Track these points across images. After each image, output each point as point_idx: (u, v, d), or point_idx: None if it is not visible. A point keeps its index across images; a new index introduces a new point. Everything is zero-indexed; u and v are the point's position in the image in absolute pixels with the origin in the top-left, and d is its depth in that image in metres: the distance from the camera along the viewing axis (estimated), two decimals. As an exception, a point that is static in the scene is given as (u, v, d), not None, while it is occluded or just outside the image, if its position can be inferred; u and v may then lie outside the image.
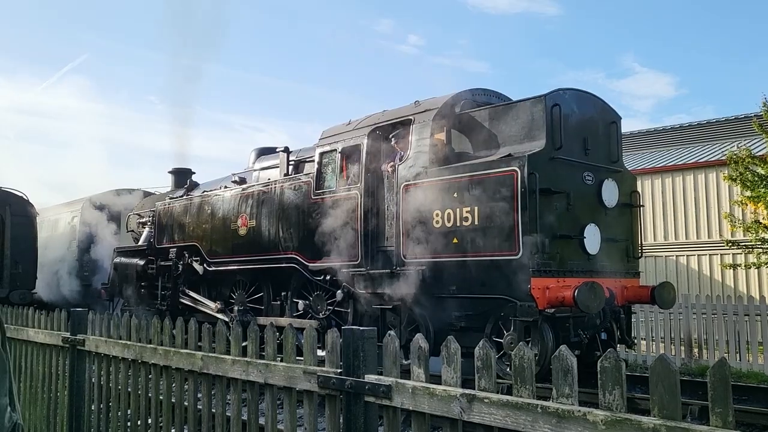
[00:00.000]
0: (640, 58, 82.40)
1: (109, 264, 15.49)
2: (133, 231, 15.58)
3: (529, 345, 7.81)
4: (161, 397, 4.21)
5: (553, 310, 7.65)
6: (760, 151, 15.67)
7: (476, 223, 8.15)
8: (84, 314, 4.94)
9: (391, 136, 9.73)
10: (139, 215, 15.42)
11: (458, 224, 8.32)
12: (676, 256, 18.17)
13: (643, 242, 9.51)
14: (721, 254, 17.08)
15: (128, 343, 4.35)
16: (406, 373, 2.58)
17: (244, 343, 3.57)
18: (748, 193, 13.55)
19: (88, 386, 4.91)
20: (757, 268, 14.43)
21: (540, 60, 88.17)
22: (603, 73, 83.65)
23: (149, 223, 14.53)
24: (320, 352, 4.00)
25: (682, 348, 11.38)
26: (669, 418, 1.78)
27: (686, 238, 18.17)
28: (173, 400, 4.17)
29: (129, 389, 4.45)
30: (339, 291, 9.70)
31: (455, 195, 8.39)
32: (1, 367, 2.33)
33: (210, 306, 12.26)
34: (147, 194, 17.86)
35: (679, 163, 19.01)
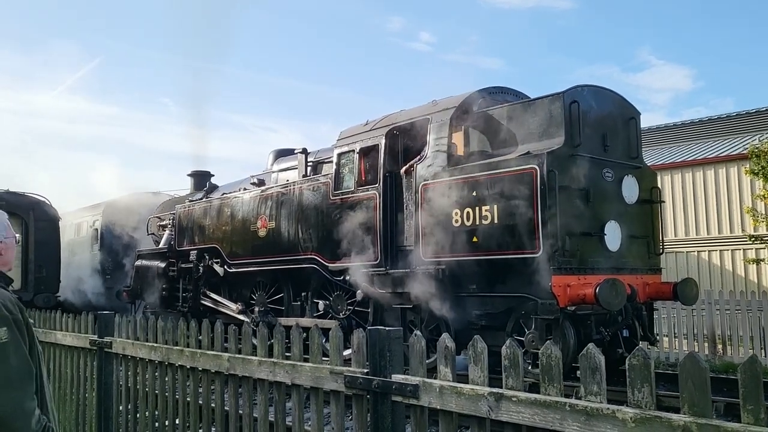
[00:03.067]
0: (656, 50, 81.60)
1: (131, 267, 15.67)
2: (153, 234, 15.75)
3: (551, 343, 7.80)
4: (188, 398, 4.27)
5: (574, 307, 7.63)
6: (781, 144, 15.48)
7: (496, 221, 8.15)
8: (111, 317, 5.02)
9: (408, 135, 9.76)
10: (159, 218, 15.58)
11: (477, 223, 8.32)
12: (698, 251, 17.99)
13: (665, 238, 9.44)
14: (743, 249, 16.87)
15: (155, 345, 4.42)
16: (429, 372, 2.60)
17: (269, 341, 3.61)
18: (770, 187, 13.39)
19: (116, 387, 4.98)
20: (781, 262, 14.26)
21: (553, 55, 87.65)
22: (618, 67, 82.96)
23: (169, 226, 14.67)
24: (346, 352, 4.04)
25: (706, 344, 11.28)
26: (699, 416, 1.79)
27: (708, 234, 17.98)
28: (200, 401, 4.23)
29: (156, 390, 4.51)
30: (359, 291, 9.74)
31: (474, 193, 8.40)
32: (27, 372, 2.39)
33: (231, 307, 12.35)
34: (166, 197, 18.04)
35: (700, 157, 18.82)
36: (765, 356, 10.67)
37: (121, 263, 17.92)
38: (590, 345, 2.09)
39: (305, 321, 10.66)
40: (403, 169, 9.50)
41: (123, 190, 19.88)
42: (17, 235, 2.71)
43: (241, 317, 11.92)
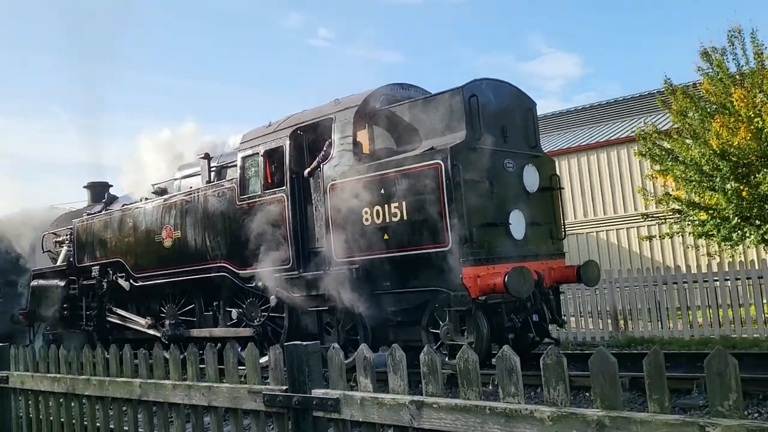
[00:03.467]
0: (547, 39, 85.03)
1: (26, 288, 14.75)
2: (50, 251, 14.87)
3: (465, 333, 7.98)
4: (98, 425, 4.06)
5: (485, 297, 7.82)
6: (664, 126, 16.49)
7: (405, 218, 8.23)
8: (5, 349, 4.70)
9: (313, 135, 9.68)
10: (55, 234, 14.73)
11: (387, 220, 8.38)
12: (596, 232, 18.92)
13: (565, 221, 9.84)
14: (637, 227, 17.90)
15: (58, 376, 4.17)
16: (347, 372, 2.59)
17: (181, 356, 3.48)
18: (657, 167, 14.23)
19: (15, 423, 4.68)
20: (670, 237, 15.20)
21: (451, 47, 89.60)
22: (513, 56, 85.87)
23: (67, 242, 13.91)
24: (262, 359, 3.96)
25: (609, 321, 11.88)
26: (611, 408, 1.87)
27: (604, 214, 18.95)
28: (111, 427, 4.03)
29: (62, 420, 4.27)
30: (272, 296, 9.59)
31: (382, 191, 8.44)
32: None
33: (140, 322, 11.88)
34: (61, 211, 17.08)
35: (592, 141, 19.78)
36: (662, 328, 11.35)
37: (14, 284, 16.82)
38: (505, 347, 2.14)
39: (218, 331, 10.40)
40: (309, 169, 9.42)
41: (11, 205, 18.66)
42: None
43: (151, 332, 11.48)
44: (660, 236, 15.29)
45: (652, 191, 15.71)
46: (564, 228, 9.54)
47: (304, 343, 2.73)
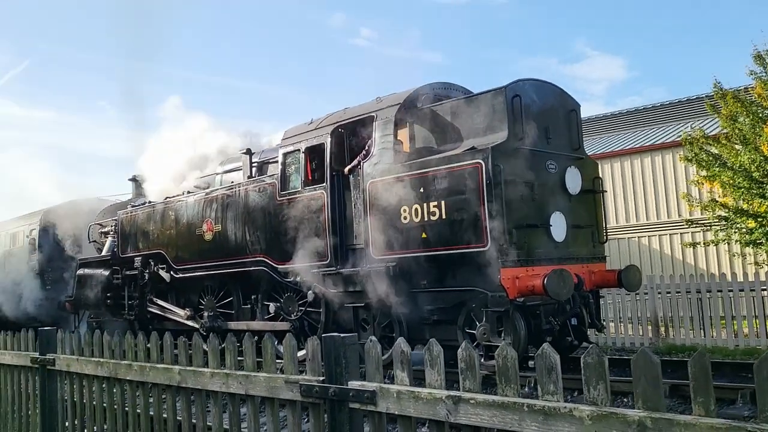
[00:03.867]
0: (592, 41, 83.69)
1: (73, 276, 15.16)
2: (95, 241, 15.26)
3: (502, 335, 7.91)
4: (139, 411, 4.15)
5: (523, 299, 7.75)
6: (713, 131, 16.09)
7: (444, 217, 8.20)
8: (53, 333, 4.84)
9: (354, 133, 9.72)
10: (100, 225, 15.11)
11: (426, 219, 8.36)
12: (638, 237, 18.56)
13: (607, 225, 9.68)
14: (681, 233, 17.50)
15: (101, 360, 4.27)
16: (384, 369, 2.59)
17: (220, 347, 3.53)
18: (703, 173, 13.90)
19: (60, 405, 4.81)
20: (716, 245, 14.82)
21: (493, 49, 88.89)
22: (556, 58, 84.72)
23: (112, 233, 14.24)
24: (300, 353, 3.99)
25: (650, 328, 11.64)
26: (653, 410, 1.83)
27: (647, 219, 18.57)
28: (152, 413, 4.11)
29: (104, 405, 4.37)
30: (310, 292, 9.66)
31: (421, 190, 8.43)
32: None
33: (179, 313, 12.09)
34: (107, 203, 17.50)
35: (637, 146, 19.40)
36: (704, 336, 11.08)
37: (62, 272, 17.31)
38: (545, 345, 2.11)
39: (256, 324, 10.52)
40: (349, 167, 9.46)
41: (61, 196, 19.18)
42: None
43: (189, 323, 11.68)
44: (705, 243, 14.91)
45: (698, 197, 15.34)
46: (606, 231, 9.39)
47: (342, 335, 2.74)
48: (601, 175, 9.76)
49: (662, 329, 11.61)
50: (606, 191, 10.68)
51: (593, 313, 8.92)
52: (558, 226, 8.39)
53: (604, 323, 10.18)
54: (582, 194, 8.89)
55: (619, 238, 18.27)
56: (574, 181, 8.74)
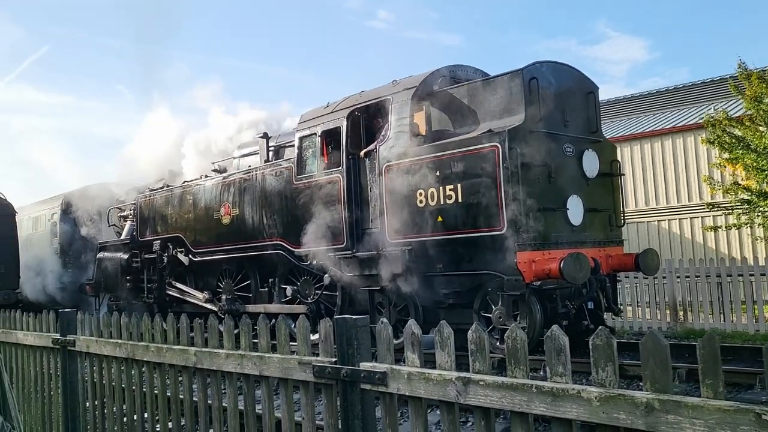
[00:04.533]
0: (612, 23, 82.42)
1: (93, 259, 15.37)
2: (115, 225, 15.45)
3: (518, 318, 7.91)
4: (156, 392, 4.21)
5: (539, 282, 7.73)
6: (736, 112, 15.84)
7: (460, 200, 8.18)
8: (73, 315, 4.91)
9: (370, 116, 9.70)
10: (119, 209, 15.28)
11: (442, 202, 8.35)
12: (658, 221, 18.37)
13: (625, 209, 9.60)
14: (702, 217, 17.30)
15: (119, 341, 4.34)
16: (398, 352, 2.61)
17: (235, 330, 3.57)
18: (726, 155, 13.70)
19: (81, 385, 4.90)
20: (738, 228, 14.64)
21: (512, 31, 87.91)
22: (576, 40, 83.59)
23: (131, 216, 14.40)
24: (314, 336, 4.02)
25: (668, 312, 11.57)
26: (661, 392, 1.82)
27: (667, 203, 18.37)
28: (168, 394, 4.18)
29: (123, 385, 4.44)
30: (326, 275, 9.71)
31: (437, 173, 8.41)
32: None
33: (197, 296, 12.23)
34: (126, 186, 17.65)
35: (657, 128, 19.15)
36: (724, 321, 10.99)
37: (83, 256, 17.56)
38: (554, 326, 2.11)
39: (273, 307, 10.61)
40: (365, 150, 9.46)
41: (82, 180, 19.42)
42: None
43: (208, 306, 11.81)
44: (726, 227, 14.74)
45: (719, 180, 15.13)
46: (623, 215, 9.32)
47: (354, 317, 2.76)
48: (620, 158, 9.68)
49: (680, 313, 11.53)
50: (624, 174, 10.57)
51: (610, 296, 8.89)
52: (575, 209, 8.34)
53: (621, 307, 10.12)
54: (599, 177, 8.83)
55: (638, 222, 18.11)
56: (591, 164, 8.67)
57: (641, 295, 12.01)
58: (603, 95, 9.62)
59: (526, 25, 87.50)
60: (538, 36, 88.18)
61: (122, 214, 15.08)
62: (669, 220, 18.25)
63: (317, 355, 2.99)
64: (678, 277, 11.54)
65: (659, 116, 20.78)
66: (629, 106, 22.81)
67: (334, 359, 2.82)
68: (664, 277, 11.53)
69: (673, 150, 18.36)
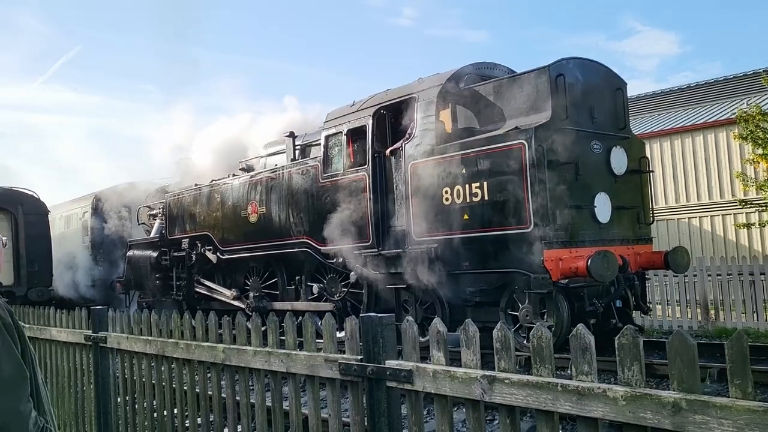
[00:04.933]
0: (641, 17, 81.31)
1: (123, 257, 15.63)
2: (144, 223, 15.69)
3: (545, 316, 7.86)
4: (185, 388, 4.28)
5: (566, 281, 7.68)
6: (769, 108, 15.51)
7: (486, 198, 8.16)
8: (104, 312, 5.01)
9: (396, 115, 9.71)
10: (149, 207, 15.51)
11: (468, 200, 8.33)
12: (689, 218, 18.09)
13: (655, 206, 9.48)
14: (734, 214, 16.99)
15: (150, 338, 4.42)
16: (425, 350, 2.62)
17: (263, 328, 3.61)
18: (759, 151, 13.42)
19: (113, 381, 4.99)
20: (771, 226, 14.34)
21: (538, 27, 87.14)
22: (603, 35, 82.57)
23: (160, 215, 14.61)
24: (339, 334, 4.05)
25: (699, 311, 11.39)
26: (688, 391, 1.81)
27: (698, 200, 18.07)
28: (197, 390, 4.24)
29: (153, 381, 4.52)
30: (352, 273, 9.75)
31: (463, 171, 8.39)
32: (20, 376, 2.39)
33: (225, 294, 12.36)
34: (155, 185, 17.92)
35: (689, 124, 18.84)
36: (757, 320, 10.79)
37: (113, 254, 17.87)
38: (580, 325, 2.10)
39: (300, 305, 10.69)
40: (391, 148, 9.47)
41: (112, 179, 19.76)
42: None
43: (236, 303, 11.93)
44: (760, 224, 14.45)
45: (752, 176, 14.84)
46: (653, 212, 9.20)
47: (379, 315, 2.77)
48: (650, 155, 9.56)
49: (712, 312, 11.35)
50: (653, 171, 10.44)
51: (638, 295, 8.80)
52: (602, 207, 8.26)
53: (650, 306, 10.00)
54: (628, 174, 8.73)
55: (669, 219, 17.85)
56: (619, 161, 8.58)
57: (671, 294, 11.85)
58: (632, 91, 9.50)
59: (552, 21, 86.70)
60: (564, 31, 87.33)
61: (151, 212, 15.31)
62: (700, 217, 17.95)
63: (343, 352, 3.01)
64: (709, 275, 11.36)
65: (690, 112, 20.44)
66: (659, 102, 22.47)
67: (360, 357, 2.84)
68: (695, 276, 11.36)
69: (704, 146, 18.05)
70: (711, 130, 18.01)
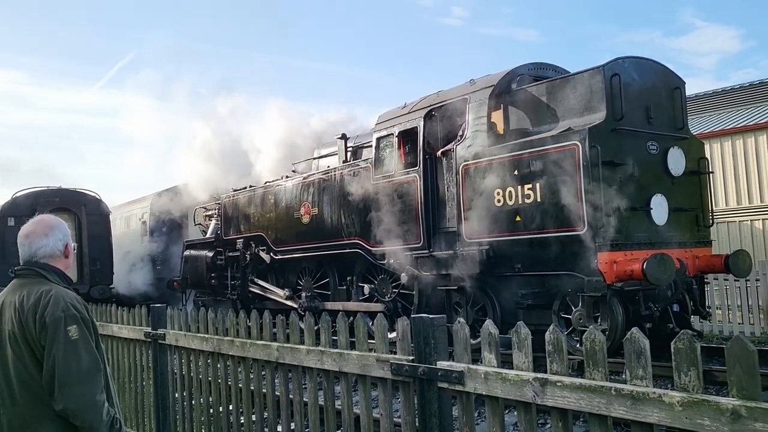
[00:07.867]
0: (700, 12, 78.79)
1: (180, 257, 16.05)
2: (200, 224, 16.09)
3: (599, 320, 7.73)
4: (240, 385, 4.39)
5: (621, 284, 7.53)
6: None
7: (539, 199, 8.08)
8: (163, 310, 5.17)
9: (447, 116, 9.70)
10: (205, 208, 15.89)
11: (520, 202, 8.26)
12: (751, 220, 17.47)
13: (714, 208, 9.21)
14: (799, 216, 16.33)
15: (206, 336, 4.54)
16: (476, 352, 2.62)
17: (316, 327, 3.67)
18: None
19: (170, 376, 5.14)
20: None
21: (591, 23, 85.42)
22: (660, 31, 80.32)
23: (215, 216, 14.96)
24: (391, 335, 4.08)
25: (761, 316, 11.00)
26: (749, 399, 1.77)
27: (761, 201, 17.44)
28: (252, 388, 4.34)
29: (209, 378, 4.65)
30: (403, 274, 9.78)
31: (516, 172, 8.33)
32: (96, 366, 2.52)
33: (278, 293, 12.56)
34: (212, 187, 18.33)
35: (750, 123, 18.20)
36: (824, 327, 10.36)
37: (171, 254, 18.36)
38: (634, 329, 2.08)
39: (351, 305, 10.78)
40: (442, 150, 9.46)
41: (168, 182, 20.30)
42: (74, 244, 2.84)
43: (288, 303, 12.11)
44: (826, 227, 13.88)
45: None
46: (712, 214, 8.94)
47: (431, 316, 2.79)
48: (709, 156, 9.29)
49: (775, 318, 10.95)
50: (713, 172, 10.14)
51: (697, 299, 8.55)
52: (659, 208, 8.07)
53: (710, 311, 9.71)
54: (686, 176, 8.51)
55: (729, 222, 17.28)
56: (676, 162, 8.37)
57: (732, 299, 11.48)
58: (690, 89, 9.24)
59: (605, 17, 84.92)
60: (618, 28, 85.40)
61: (207, 213, 15.68)
62: (763, 219, 17.32)
63: (394, 353, 3.04)
64: (773, 279, 10.96)
65: (752, 110, 19.74)
66: (719, 101, 21.77)
67: (411, 357, 2.86)
68: (757, 280, 10.97)
69: (767, 146, 17.41)
70: (775, 129, 17.35)
